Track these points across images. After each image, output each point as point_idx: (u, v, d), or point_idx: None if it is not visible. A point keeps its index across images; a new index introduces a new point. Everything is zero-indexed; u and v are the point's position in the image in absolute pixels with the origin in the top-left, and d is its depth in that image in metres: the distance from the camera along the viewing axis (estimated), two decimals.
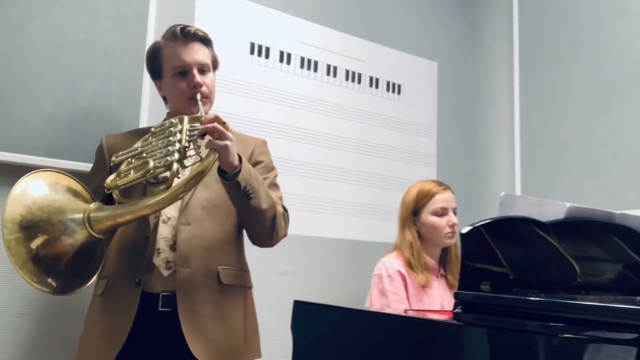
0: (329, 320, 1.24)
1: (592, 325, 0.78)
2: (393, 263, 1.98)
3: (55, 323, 1.74)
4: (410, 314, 1.32)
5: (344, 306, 1.28)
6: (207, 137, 1.41)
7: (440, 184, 2.08)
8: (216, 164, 1.41)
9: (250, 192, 1.46)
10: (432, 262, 2.04)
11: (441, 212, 2.01)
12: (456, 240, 2.06)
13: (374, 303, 1.99)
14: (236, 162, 1.43)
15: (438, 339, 1.00)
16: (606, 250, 1.21)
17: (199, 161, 1.39)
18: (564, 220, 1.12)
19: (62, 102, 1.78)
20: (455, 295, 0.99)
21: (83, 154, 1.75)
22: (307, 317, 1.28)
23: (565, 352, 0.79)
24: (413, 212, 2.04)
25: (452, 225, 2.02)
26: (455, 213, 2.04)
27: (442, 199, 2.03)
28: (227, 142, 1.39)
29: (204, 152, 1.41)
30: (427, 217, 2.01)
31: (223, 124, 1.40)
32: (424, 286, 1.95)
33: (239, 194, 1.46)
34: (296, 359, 1.24)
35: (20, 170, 1.45)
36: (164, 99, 1.70)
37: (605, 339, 0.76)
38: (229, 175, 1.43)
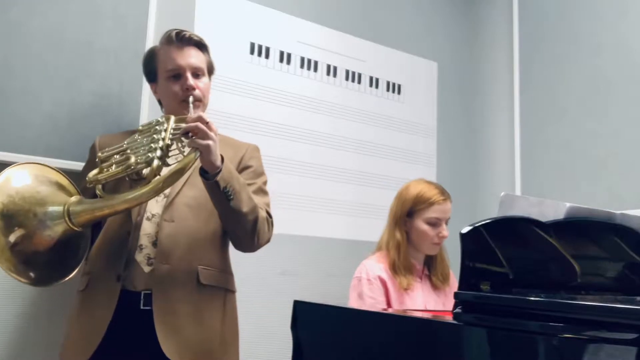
0: (329, 320, 1.24)
1: (592, 325, 0.78)
2: (374, 267, 1.95)
3: (55, 323, 1.74)
4: (411, 314, 1.32)
5: (344, 306, 1.28)
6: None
7: (442, 192, 2.01)
8: (199, 164, 1.42)
9: (230, 193, 1.45)
10: (415, 263, 2.02)
11: (434, 222, 1.97)
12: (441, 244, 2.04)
13: (352, 306, 1.97)
14: (218, 162, 1.43)
15: (438, 339, 1.00)
16: (606, 250, 1.21)
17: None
18: (564, 220, 1.12)
19: (62, 102, 1.78)
20: (455, 296, 0.99)
21: (83, 154, 1.74)
22: (307, 317, 1.28)
23: (565, 352, 0.79)
24: (407, 213, 2.01)
25: (441, 238, 1.99)
26: (447, 224, 2.02)
27: (439, 209, 1.98)
28: (209, 142, 1.39)
29: (187, 150, 1.42)
30: (420, 223, 1.97)
31: (206, 123, 1.41)
32: (406, 289, 1.93)
33: (219, 195, 1.45)
34: (296, 359, 1.24)
35: None
36: (159, 102, 1.71)
37: (605, 339, 0.76)
38: (209, 174, 1.44)
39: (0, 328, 1.68)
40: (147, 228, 1.51)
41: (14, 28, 1.72)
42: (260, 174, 1.71)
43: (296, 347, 1.25)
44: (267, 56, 2.30)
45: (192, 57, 1.62)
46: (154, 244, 1.50)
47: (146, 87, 1.90)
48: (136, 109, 1.91)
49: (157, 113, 1.82)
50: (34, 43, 1.75)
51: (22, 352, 1.70)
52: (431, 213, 1.97)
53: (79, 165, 1.74)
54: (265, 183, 1.71)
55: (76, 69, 1.81)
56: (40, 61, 1.76)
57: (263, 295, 2.11)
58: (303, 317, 1.28)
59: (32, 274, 1.38)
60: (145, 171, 1.40)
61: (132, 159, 1.41)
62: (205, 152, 1.40)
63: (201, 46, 1.66)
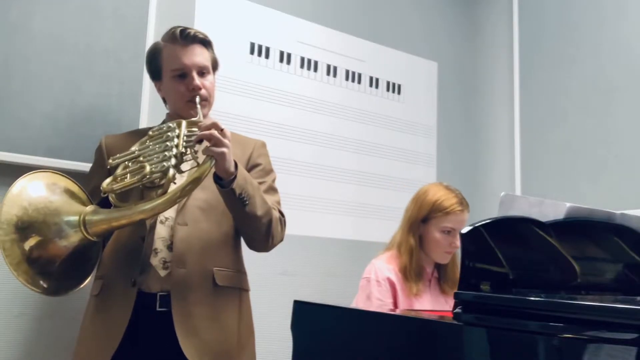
0: (329, 320, 1.24)
1: (592, 325, 0.78)
2: (384, 269, 1.91)
3: (57, 323, 1.74)
4: (411, 314, 1.32)
5: (344, 306, 1.28)
6: (205, 143, 1.42)
7: (461, 202, 1.95)
8: (212, 170, 1.42)
9: (245, 198, 1.45)
10: (426, 266, 1.99)
11: (449, 231, 1.92)
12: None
13: (359, 306, 1.95)
14: (232, 168, 1.43)
15: (438, 339, 1.00)
16: (606, 250, 1.21)
17: (196, 167, 1.40)
18: (564, 220, 1.12)
19: (62, 102, 1.78)
20: (455, 295, 0.99)
21: (83, 154, 1.75)
22: (307, 317, 1.28)
23: (565, 352, 0.79)
24: (423, 218, 1.95)
25: (454, 247, 1.93)
26: None
27: (456, 219, 1.92)
28: (224, 149, 1.39)
29: (200, 157, 1.42)
30: (434, 231, 1.92)
31: (221, 130, 1.40)
32: (416, 294, 1.91)
33: (235, 201, 1.45)
34: (296, 359, 1.24)
35: (20, 170, 1.45)
36: (164, 99, 1.70)
37: (605, 339, 0.76)
38: (224, 181, 1.44)
39: (1, 328, 1.68)
40: (161, 232, 1.51)
41: (14, 28, 1.72)
42: (269, 171, 1.70)
43: (296, 347, 1.25)
44: (267, 56, 2.30)
45: (197, 56, 1.60)
46: (169, 247, 1.49)
47: (146, 87, 1.91)
48: (136, 109, 1.91)
49: (157, 113, 1.83)
50: (34, 43, 1.75)
51: (24, 352, 1.70)
52: (446, 222, 1.92)
53: (79, 165, 1.74)
54: (274, 180, 1.70)
55: (76, 69, 1.81)
56: (40, 61, 1.76)
57: (263, 295, 2.10)
58: (303, 317, 1.28)
59: (47, 285, 1.38)
60: (160, 180, 1.39)
61: (147, 168, 1.40)
62: (220, 160, 1.39)
63: (205, 43, 1.64)
